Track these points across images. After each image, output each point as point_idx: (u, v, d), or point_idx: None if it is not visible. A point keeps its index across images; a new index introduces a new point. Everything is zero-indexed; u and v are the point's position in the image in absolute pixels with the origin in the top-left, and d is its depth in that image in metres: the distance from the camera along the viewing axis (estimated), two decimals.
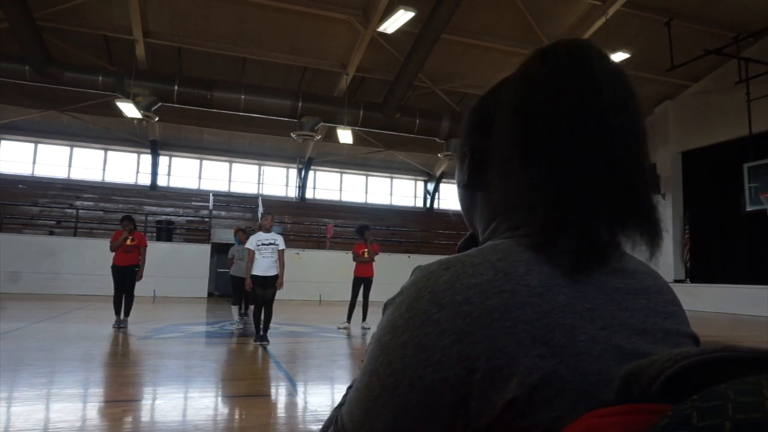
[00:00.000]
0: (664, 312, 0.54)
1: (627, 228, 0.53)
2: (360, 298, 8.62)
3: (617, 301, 0.51)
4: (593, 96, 0.52)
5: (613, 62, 0.55)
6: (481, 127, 0.63)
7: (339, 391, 4.54)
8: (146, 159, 19.75)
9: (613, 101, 0.52)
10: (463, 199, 0.67)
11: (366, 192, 22.48)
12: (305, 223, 18.31)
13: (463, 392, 0.46)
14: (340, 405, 0.58)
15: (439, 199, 23.07)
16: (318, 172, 21.72)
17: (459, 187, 0.67)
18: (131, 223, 7.70)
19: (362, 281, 8.59)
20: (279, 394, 4.35)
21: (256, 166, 21.11)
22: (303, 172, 20.98)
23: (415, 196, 23.23)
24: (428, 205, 22.91)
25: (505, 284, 0.48)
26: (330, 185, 22.04)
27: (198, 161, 20.53)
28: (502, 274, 0.48)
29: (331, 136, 16.67)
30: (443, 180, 22.58)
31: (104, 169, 19.47)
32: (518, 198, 0.55)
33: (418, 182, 23.25)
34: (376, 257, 8.78)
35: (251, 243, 6.74)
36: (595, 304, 0.49)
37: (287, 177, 21.51)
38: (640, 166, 0.53)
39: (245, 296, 8.41)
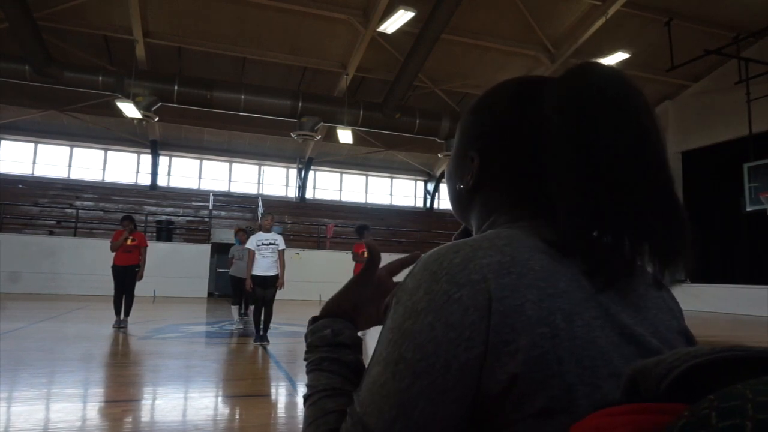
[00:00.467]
0: (655, 307, 0.56)
1: (652, 242, 0.54)
2: None
3: (612, 293, 0.52)
4: (631, 124, 0.55)
5: (641, 93, 0.58)
6: (492, 135, 0.64)
7: None
8: (146, 159, 19.75)
9: (645, 130, 0.56)
10: (461, 200, 0.69)
11: (366, 192, 22.48)
12: (305, 223, 18.31)
13: (481, 366, 0.47)
14: (334, 412, 0.56)
15: (439, 199, 23.06)
16: (318, 172, 21.72)
17: (458, 189, 0.68)
18: (131, 223, 7.70)
19: None
20: (279, 394, 4.35)
21: (256, 166, 21.11)
22: (303, 172, 20.98)
23: (415, 196, 23.23)
24: (428, 205, 22.92)
25: (512, 266, 0.50)
26: (330, 185, 22.05)
27: (198, 161, 20.53)
28: (509, 258, 0.50)
29: (331, 136, 16.68)
30: (443, 180, 22.58)
31: (104, 169, 19.47)
32: (529, 202, 0.59)
33: (418, 182, 23.26)
34: None
35: (251, 243, 6.74)
36: (591, 293, 0.51)
37: (287, 177, 21.51)
38: (668, 186, 0.57)
39: (245, 296, 8.41)
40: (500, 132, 0.64)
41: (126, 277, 7.64)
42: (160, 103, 13.28)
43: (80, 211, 16.07)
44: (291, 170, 21.46)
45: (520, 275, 0.49)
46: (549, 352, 0.46)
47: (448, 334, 0.47)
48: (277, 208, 17.93)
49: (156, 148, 19.33)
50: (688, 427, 0.30)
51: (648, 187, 0.54)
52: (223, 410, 3.74)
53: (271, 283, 6.70)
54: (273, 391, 4.47)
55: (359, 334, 0.75)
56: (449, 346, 0.47)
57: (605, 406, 0.41)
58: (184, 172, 20.39)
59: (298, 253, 15.16)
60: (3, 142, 18.33)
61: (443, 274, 0.50)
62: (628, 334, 0.51)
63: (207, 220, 17.62)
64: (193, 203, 18.94)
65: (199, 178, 20.56)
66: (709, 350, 0.37)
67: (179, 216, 17.65)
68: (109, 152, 19.46)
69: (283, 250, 6.82)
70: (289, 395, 4.21)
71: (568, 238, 0.53)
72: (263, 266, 6.64)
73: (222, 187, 20.50)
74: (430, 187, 22.94)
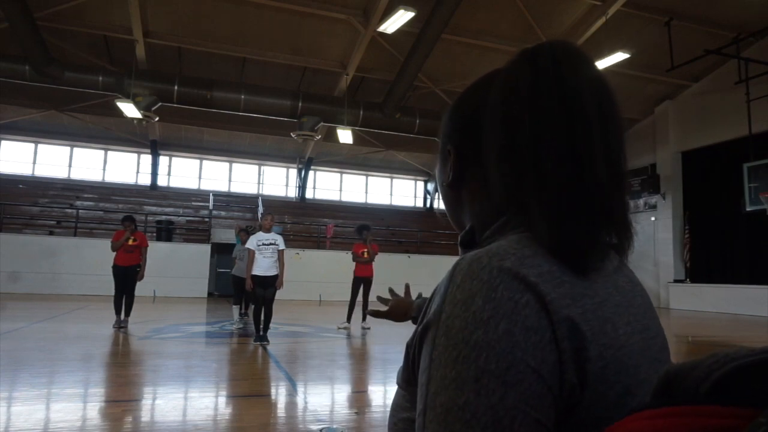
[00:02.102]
0: (651, 311, 0.57)
1: (603, 230, 0.54)
2: (360, 298, 8.62)
3: (629, 299, 0.53)
4: (573, 102, 0.52)
5: (595, 68, 0.55)
6: (464, 128, 0.65)
7: (339, 391, 4.54)
8: (146, 159, 19.75)
9: (592, 106, 0.53)
10: (448, 197, 0.69)
11: (366, 192, 22.48)
12: (305, 223, 18.32)
13: (561, 370, 0.46)
14: None
15: (439, 199, 23.01)
16: (318, 172, 21.72)
17: (442, 186, 0.69)
18: (133, 224, 7.70)
19: (362, 281, 8.60)
20: (279, 394, 4.34)
21: (256, 166, 21.11)
22: (303, 172, 20.98)
23: (415, 196, 23.23)
24: (428, 205, 22.92)
25: (562, 275, 0.49)
26: (330, 185, 22.04)
27: (198, 161, 20.53)
28: (556, 267, 0.49)
29: (331, 136, 16.67)
30: None
31: (104, 169, 19.47)
32: (507, 198, 0.57)
33: (418, 182, 23.26)
34: (376, 257, 8.79)
35: (251, 243, 6.74)
36: (618, 301, 0.51)
37: (287, 177, 21.51)
38: (618, 174, 0.54)
39: (246, 296, 8.41)
40: (470, 124, 0.63)
41: (127, 277, 7.64)
42: (160, 103, 13.28)
43: (80, 211, 16.07)
44: (291, 170, 21.46)
45: (572, 284, 0.48)
46: (610, 363, 0.46)
47: (530, 338, 0.44)
48: (277, 208, 17.94)
49: (156, 148, 19.33)
50: None
51: (612, 185, 0.53)
52: (223, 410, 3.74)
53: (271, 283, 6.70)
54: (273, 391, 4.46)
55: None
56: (535, 349, 0.44)
57: (634, 407, 0.41)
58: (184, 172, 20.39)
59: (298, 253, 15.17)
60: (3, 142, 18.32)
61: (498, 280, 0.47)
62: (647, 337, 0.52)
63: (207, 220, 17.62)
64: (193, 203, 18.95)
65: (199, 178, 20.56)
66: (748, 352, 0.37)
67: (179, 216, 17.65)
68: (109, 152, 19.46)
69: (283, 250, 6.82)
70: (289, 395, 4.21)
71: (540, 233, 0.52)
72: (263, 266, 6.64)
73: (222, 187, 20.50)
74: (430, 187, 22.94)
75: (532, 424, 0.43)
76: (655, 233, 16.78)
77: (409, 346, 0.56)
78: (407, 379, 0.58)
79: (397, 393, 0.62)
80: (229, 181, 20.84)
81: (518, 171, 0.54)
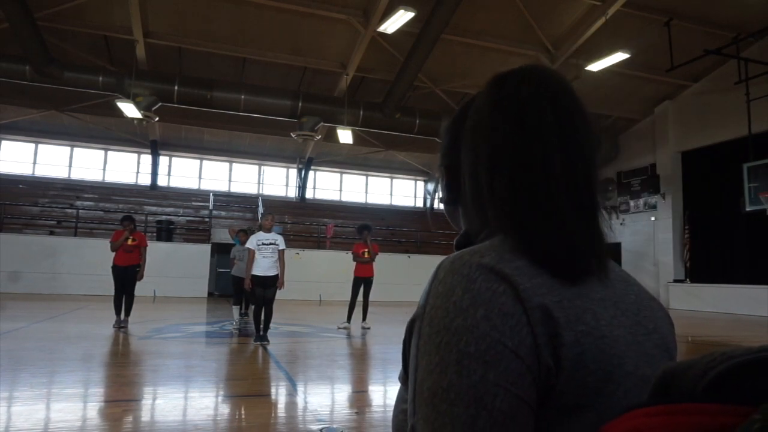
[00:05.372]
0: (649, 308, 0.58)
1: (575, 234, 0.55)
2: (360, 298, 8.62)
3: (618, 295, 0.55)
4: (529, 117, 0.56)
5: (558, 82, 0.58)
6: (454, 147, 0.68)
7: (339, 391, 4.55)
8: (146, 159, 19.75)
9: (549, 120, 0.56)
10: (447, 211, 0.74)
11: (366, 192, 22.48)
12: (305, 223, 18.32)
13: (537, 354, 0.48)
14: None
15: (439, 199, 23.02)
16: (318, 172, 21.72)
17: (441, 201, 0.73)
18: (132, 223, 7.69)
19: (362, 281, 8.59)
20: (279, 394, 4.35)
21: (256, 166, 21.11)
22: (303, 172, 20.98)
23: (415, 196, 23.23)
24: (428, 205, 22.91)
25: (539, 270, 0.51)
26: (330, 185, 22.04)
27: (198, 161, 20.53)
28: (534, 264, 0.52)
29: (331, 136, 16.67)
30: None
31: (104, 169, 19.46)
32: (481, 212, 0.60)
33: (418, 182, 23.25)
34: (376, 257, 8.79)
35: (252, 243, 6.74)
36: (602, 295, 0.53)
37: (287, 177, 21.51)
38: (580, 184, 0.56)
39: (246, 296, 8.41)
40: (457, 143, 0.67)
41: (126, 277, 7.64)
42: (160, 103, 13.28)
43: (80, 211, 16.08)
44: (291, 170, 21.46)
45: (549, 278, 0.51)
46: (588, 350, 0.48)
47: (507, 322, 0.47)
48: (277, 208, 17.94)
49: (156, 148, 19.33)
50: (765, 431, 0.30)
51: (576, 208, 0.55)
52: (223, 410, 3.74)
53: (271, 283, 6.70)
54: (273, 391, 4.47)
55: None
56: (512, 332, 0.47)
57: (631, 405, 0.41)
58: (184, 172, 20.38)
59: (298, 253, 15.17)
60: (3, 142, 18.32)
61: (477, 274, 0.50)
62: (638, 333, 0.53)
63: (207, 220, 17.62)
64: (193, 203, 18.95)
65: (199, 178, 20.56)
66: (745, 351, 0.37)
67: (179, 216, 17.65)
68: (109, 152, 19.46)
69: (284, 250, 6.82)
70: (289, 395, 4.21)
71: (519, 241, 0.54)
72: (263, 266, 6.64)
73: (222, 187, 20.49)
74: (430, 187, 22.94)
75: (513, 400, 0.45)
76: (655, 233, 16.78)
77: (402, 343, 0.59)
78: (404, 375, 0.61)
79: (400, 388, 0.66)
80: (229, 181, 20.84)
81: (482, 187, 0.58)
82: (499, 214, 0.55)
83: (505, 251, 0.53)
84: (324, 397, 4.30)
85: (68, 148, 19.01)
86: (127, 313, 7.67)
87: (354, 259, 8.69)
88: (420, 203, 23.20)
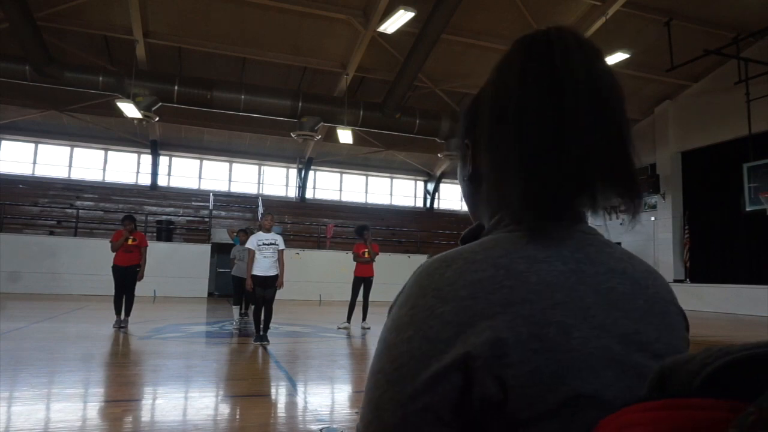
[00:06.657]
0: (661, 313, 0.54)
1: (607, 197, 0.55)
2: (360, 298, 8.62)
3: (612, 301, 0.51)
4: (562, 92, 0.52)
5: (594, 56, 0.55)
6: (475, 122, 0.65)
7: (339, 391, 4.55)
8: (146, 159, 19.75)
9: (584, 98, 0.52)
10: (468, 192, 0.69)
11: (366, 192, 22.48)
12: (305, 223, 18.32)
13: (466, 376, 0.47)
14: None
15: (439, 199, 23.06)
16: (318, 172, 21.72)
17: (462, 180, 0.69)
18: (132, 223, 7.69)
19: (362, 281, 8.60)
20: (279, 394, 4.35)
21: (256, 166, 21.11)
22: (303, 172, 20.98)
23: (415, 196, 23.23)
24: (428, 205, 22.92)
25: (505, 280, 0.49)
26: (330, 185, 22.04)
27: (198, 161, 20.53)
28: (503, 271, 0.50)
29: (331, 136, 16.67)
30: (443, 180, 22.58)
31: (104, 169, 19.47)
32: (501, 185, 0.56)
33: (418, 182, 23.25)
34: (377, 257, 8.79)
35: (251, 243, 6.74)
36: (589, 303, 0.50)
37: (287, 177, 21.51)
38: (618, 140, 0.56)
39: (246, 296, 8.41)
40: (486, 115, 0.62)
41: (126, 277, 7.63)
42: (160, 103, 13.28)
43: (80, 211, 16.08)
44: (291, 170, 21.46)
45: (513, 289, 0.49)
46: (542, 367, 0.46)
47: (422, 347, 0.49)
48: (277, 208, 17.94)
49: (156, 148, 19.33)
50: (759, 423, 0.30)
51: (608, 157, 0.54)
52: (223, 410, 3.74)
53: (271, 283, 6.70)
54: (273, 391, 4.47)
55: None
56: (422, 357, 0.49)
57: (628, 400, 0.41)
58: (184, 172, 20.39)
59: (298, 253, 15.17)
60: (3, 142, 18.32)
61: (431, 289, 0.51)
62: (632, 342, 0.50)
63: (207, 220, 17.62)
64: (193, 203, 18.94)
65: (199, 178, 20.56)
66: (741, 347, 0.37)
67: (179, 216, 17.65)
68: (109, 152, 19.46)
69: (284, 250, 6.82)
70: (289, 395, 4.21)
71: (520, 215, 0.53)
72: (263, 266, 6.64)
73: (222, 187, 20.50)
74: (430, 187, 22.94)
75: (398, 421, 0.49)
76: (655, 233, 16.79)
77: None
78: None
79: None
80: (229, 181, 20.84)
81: (501, 163, 0.55)
82: (515, 190, 0.53)
83: (478, 257, 0.52)
84: (324, 397, 4.30)
85: (68, 148, 19.01)
86: (127, 313, 7.67)
87: (354, 259, 8.69)
88: (420, 203, 23.20)
